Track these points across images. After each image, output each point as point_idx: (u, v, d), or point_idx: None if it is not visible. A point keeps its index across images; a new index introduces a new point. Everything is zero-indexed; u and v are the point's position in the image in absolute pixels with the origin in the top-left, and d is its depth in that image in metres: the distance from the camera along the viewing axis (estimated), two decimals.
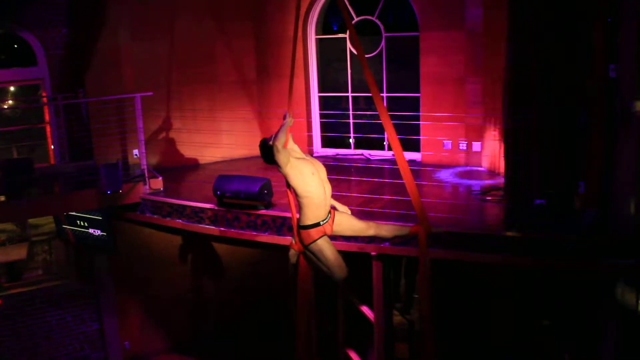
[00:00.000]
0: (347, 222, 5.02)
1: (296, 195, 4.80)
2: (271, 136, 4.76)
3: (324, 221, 4.83)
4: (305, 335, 5.32)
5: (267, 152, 4.72)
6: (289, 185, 4.87)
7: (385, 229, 5.17)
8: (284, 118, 4.77)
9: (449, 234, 5.92)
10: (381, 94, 8.91)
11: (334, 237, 4.99)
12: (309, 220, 4.79)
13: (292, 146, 4.82)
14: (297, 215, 4.92)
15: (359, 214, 6.39)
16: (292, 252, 5.07)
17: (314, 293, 8.51)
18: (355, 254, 6.34)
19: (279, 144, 4.58)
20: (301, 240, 4.90)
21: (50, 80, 8.93)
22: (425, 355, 5.20)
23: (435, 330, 5.13)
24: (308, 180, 4.69)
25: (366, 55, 8.92)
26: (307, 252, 4.93)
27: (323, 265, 4.84)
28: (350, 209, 5.18)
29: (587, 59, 5.84)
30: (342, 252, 5.92)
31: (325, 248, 4.81)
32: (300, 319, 5.25)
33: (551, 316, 7.08)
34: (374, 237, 5.38)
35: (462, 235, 5.95)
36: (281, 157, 4.61)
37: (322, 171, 4.87)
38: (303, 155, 4.86)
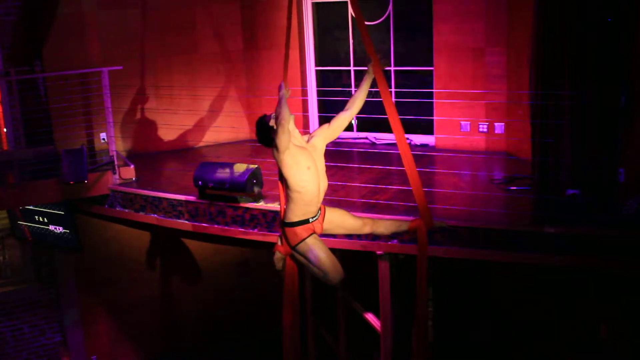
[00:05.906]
0: (338, 219, 5.05)
1: (286, 187, 4.84)
2: (271, 114, 4.79)
3: (314, 218, 4.88)
4: (293, 352, 5.34)
5: (265, 131, 4.77)
6: (281, 177, 4.90)
7: (383, 226, 5.20)
8: (279, 90, 4.76)
9: (469, 230, 5.93)
10: (387, 68, 8.85)
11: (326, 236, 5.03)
12: (295, 216, 4.82)
13: (293, 130, 4.82)
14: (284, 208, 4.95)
15: (362, 207, 6.43)
16: (277, 256, 5.09)
17: (312, 301, 8.59)
18: (358, 253, 6.35)
19: (285, 121, 4.53)
20: (287, 241, 4.92)
21: (1, 52, 8.87)
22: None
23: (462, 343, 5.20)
24: (303, 173, 4.73)
25: (371, 23, 8.96)
26: (295, 254, 4.96)
27: (315, 268, 4.86)
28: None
29: (630, 22, 5.78)
30: (342, 252, 5.93)
31: (316, 247, 4.84)
32: (287, 332, 5.28)
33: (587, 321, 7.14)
34: (371, 235, 5.41)
35: (482, 231, 5.96)
36: (283, 139, 4.59)
37: (321, 163, 4.90)
38: (303, 143, 4.87)
